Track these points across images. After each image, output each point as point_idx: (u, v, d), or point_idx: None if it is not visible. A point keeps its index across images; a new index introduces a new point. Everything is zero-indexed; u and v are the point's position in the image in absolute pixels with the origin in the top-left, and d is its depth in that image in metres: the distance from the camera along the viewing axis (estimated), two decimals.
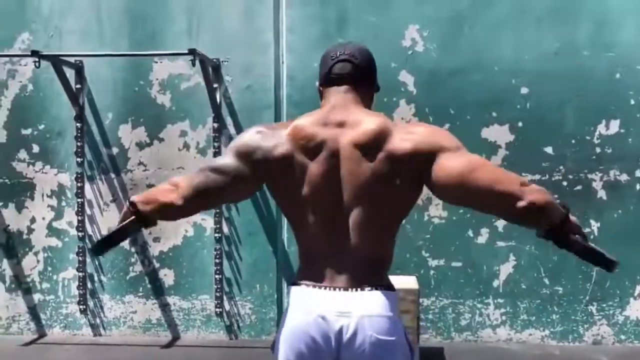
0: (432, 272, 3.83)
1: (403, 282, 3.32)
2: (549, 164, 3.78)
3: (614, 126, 3.75)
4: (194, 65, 3.48)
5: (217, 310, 3.91)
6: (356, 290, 1.41)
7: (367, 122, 1.43)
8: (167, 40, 3.93)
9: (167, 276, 3.99)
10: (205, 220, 3.95)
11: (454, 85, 3.78)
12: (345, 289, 1.41)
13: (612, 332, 3.78)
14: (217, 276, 3.88)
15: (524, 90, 3.77)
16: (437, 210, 3.83)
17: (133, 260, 4.01)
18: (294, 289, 1.48)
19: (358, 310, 1.39)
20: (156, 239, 4.00)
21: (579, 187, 3.78)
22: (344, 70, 1.49)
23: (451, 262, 3.82)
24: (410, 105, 3.82)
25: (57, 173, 4.04)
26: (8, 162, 4.05)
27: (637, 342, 3.77)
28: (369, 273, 1.44)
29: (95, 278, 4.04)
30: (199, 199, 1.48)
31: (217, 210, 3.87)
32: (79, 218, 3.94)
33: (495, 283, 3.82)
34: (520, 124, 3.78)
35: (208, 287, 3.94)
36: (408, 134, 1.43)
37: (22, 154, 4.05)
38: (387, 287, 1.47)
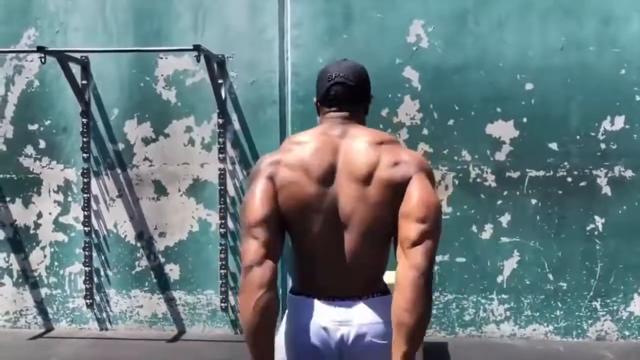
0: (436, 267, 3.84)
1: None
2: (554, 159, 3.78)
3: (619, 122, 3.74)
4: (198, 61, 3.49)
5: (223, 305, 3.93)
6: (354, 300, 1.50)
7: (362, 141, 1.51)
8: (172, 36, 3.94)
9: (173, 271, 4.02)
10: (211, 215, 3.97)
11: (458, 81, 3.78)
12: (344, 299, 1.50)
13: (616, 328, 3.79)
14: (222, 271, 3.90)
15: (529, 86, 3.77)
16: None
17: (139, 255, 4.04)
18: (293, 298, 1.55)
19: (357, 319, 1.48)
20: (162, 234, 4.02)
21: (583, 183, 3.78)
22: (340, 93, 1.58)
23: (455, 258, 3.83)
24: (414, 101, 3.82)
25: (63, 168, 4.06)
26: (15, 158, 4.08)
27: None
28: (366, 282, 1.52)
29: (102, 272, 4.07)
30: (276, 253, 1.46)
31: (222, 206, 3.89)
32: (85, 213, 3.97)
33: (500, 279, 3.83)
34: (525, 119, 3.78)
35: (213, 281, 3.96)
36: (398, 161, 1.50)
37: (29, 150, 4.08)
38: (383, 293, 1.55)
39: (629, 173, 3.76)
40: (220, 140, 3.89)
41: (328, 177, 1.48)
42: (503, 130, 3.79)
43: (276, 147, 1.72)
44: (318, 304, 1.50)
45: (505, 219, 3.81)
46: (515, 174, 3.81)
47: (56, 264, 4.09)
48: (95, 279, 4.06)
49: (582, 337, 3.80)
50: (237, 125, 3.94)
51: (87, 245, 3.98)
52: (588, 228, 3.78)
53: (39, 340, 3.92)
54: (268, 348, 1.40)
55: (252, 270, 1.41)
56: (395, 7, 3.81)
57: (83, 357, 3.58)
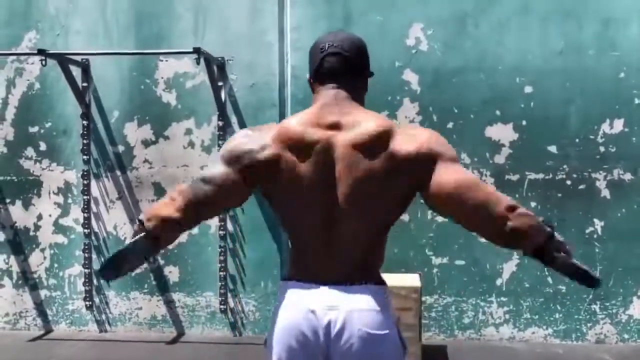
0: (435, 270, 3.84)
1: (406, 279, 3.34)
2: (553, 162, 3.79)
3: (618, 125, 3.75)
4: (198, 63, 3.51)
5: (222, 307, 3.94)
6: (345, 285, 1.41)
7: (367, 122, 1.41)
8: (173, 39, 3.95)
9: (172, 273, 4.02)
10: None
11: (458, 84, 3.79)
12: (335, 284, 1.41)
13: (615, 331, 3.79)
14: (221, 273, 3.91)
15: (528, 89, 3.77)
16: None
17: None
18: (284, 284, 1.48)
19: (346, 304, 1.39)
20: None
21: (582, 186, 3.78)
22: (334, 65, 1.44)
23: (454, 261, 3.83)
24: (414, 103, 3.83)
25: (63, 170, 4.07)
26: (15, 160, 4.09)
27: None
28: (359, 269, 1.44)
29: None
30: (194, 212, 1.44)
31: None
32: (85, 215, 3.98)
33: (499, 281, 3.83)
34: (524, 122, 3.78)
35: (212, 284, 3.96)
36: (411, 136, 1.41)
37: (29, 152, 4.09)
38: (378, 282, 1.46)
39: (627, 176, 3.76)
40: (220, 142, 3.90)
41: (324, 179, 1.40)
42: (502, 133, 3.80)
43: None
44: (307, 287, 1.42)
45: None
46: (514, 177, 3.81)
47: (56, 265, 4.10)
48: (95, 281, 4.07)
49: (582, 340, 3.80)
50: (237, 128, 3.94)
51: (86, 247, 3.99)
52: (587, 231, 3.78)
53: (38, 342, 3.92)
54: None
55: (176, 212, 1.42)
56: (395, 10, 3.82)
57: (82, 359, 3.58)
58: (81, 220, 4.01)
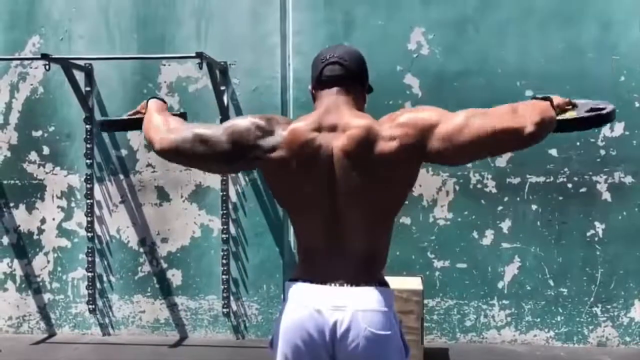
0: (437, 273, 3.86)
1: (408, 283, 3.35)
2: (554, 166, 3.80)
3: (619, 128, 3.76)
4: (201, 68, 3.53)
5: (224, 310, 3.95)
6: (351, 286, 1.45)
7: (353, 126, 1.46)
8: (175, 43, 3.98)
9: (175, 276, 4.04)
10: (213, 221, 3.99)
11: (459, 88, 3.81)
12: (341, 285, 1.45)
13: (617, 334, 3.79)
14: (224, 276, 3.92)
15: (529, 93, 3.79)
16: (442, 212, 3.86)
17: (141, 260, 4.06)
18: (290, 284, 1.52)
19: (352, 304, 1.42)
20: (164, 240, 4.04)
21: (583, 189, 3.80)
22: (334, 72, 1.53)
23: (456, 264, 3.85)
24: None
25: (67, 174, 4.10)
26: (19, 164, 4.12)
27: None
28: (364, 270, 1.48)
29: (104, 278, 4.09)
30: (175, 156, 1.59)
31: (224, 212, 3.91)
32: (88, 219, 4.00)
33: (500, 284, 3.84)
34: None
35: (215, 287, 3.98)
36: (393, 130, 1.46)
37: (33, 156, 4.11)
38: (381, 284, 1.50)
39: (628, 179, 3.77)
40: None
41: (325, 176, 1.45)
42: None
43: None
44: (313, 287, 1.46)
45: (505, 225, 3.83)
46: (515, 180, 3.83)
47: (59, 269, 4.12)
48: (98, 285, 4.08)
49: (583, 343, 3.81)
50: None
51: (90, 250, 4.01)
52: (588, 234, 3.80)
53: (41, 345, 3.94)
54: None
55: (164, 140, 1.60)
56: (396, 15, 3.85)
57: None
58: (84, 224, 4.03)
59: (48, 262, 4.12)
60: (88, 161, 4.00)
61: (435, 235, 3.86)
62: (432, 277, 3.84)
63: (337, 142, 1.46)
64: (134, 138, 4.05)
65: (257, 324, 4.01)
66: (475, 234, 3.84)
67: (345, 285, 1.45)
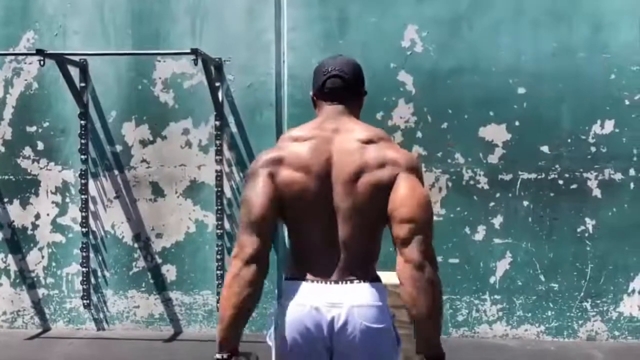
0: None
1: None
2: (545, 162, 3.85)
3: (609, 126, 3.81)
4: (196, 64, 3.54)
5: (219, 305, 3.96)
6: (346, 283, 1.54)
7: (358, 131, 1.58)
8: (170, 39, 3.99)
9: (170, 272, 4.06)
10: (207, 217, 4.01)
11: (452, 85, 3.85)
12: (336, 282, 1.54)
13: (606, 328, 3.85)
14: (218, 272, 3.95)
15: (521, 91, 3.83)
16: (434, 208, 3.87)
17: (136, 255, 4.08)
18: (287, 282, 1.60)
19: (348, 301, 1.52)
20: (159, 235, 4.06)
21: (574, 186, 3.85)
22: (335, 85, 1.64)
23: (448, 259, 3.89)
24: (409, 104, 3.88)
25: (61, 170, 4.10)
26: (13, 159, 4.12)
27: (631, 338, 3.84)
28: (358, 268, 1.57)
29: (99, 273, 4.10)
30: (263, 242, 1.54)
31: (219, 207, 3.94)
32: (83, 214, 4.01)
33: (492, 279, 3.89)
34: (517, 123, 3.84)
35: (210, 282, 4.00)
36: (394, 148, 1.60)
37: (27, 151, 4.11)
38: (375, 280, 1.59)
39: (618, 176, 3.83)
40: (217, 142, 3.94)
41: (325, 174, 1.54)
42: (496, 133, 3.86)
43: None
44: (310, 285, 1.55)
45: (497, 221, 3.87)
46: (507, 177, 3.87)
47: (54, 264, 4.12)
48: (93, 280, 4.10)
49: (573, 337, 3.86)
50: (234, 128, 3.98)
51: (84, 246, 4.02)
52: (579, 230, 3.85)
53: (36, 340, 3.94)
54: (236, 335, 1.53)
55: (248, 267, 1.49)
56: (390, 12, 3.87)
57: (80, 357, 3.61)
58: (79, 220, 4.04)
59: (42, 257, 4.13)
60: (83, 157, 4.00)
61: None
62: None
63: (337, 146, 1.56)
64: (129, 134, 4.06)
65: (251, 320, 3.98)
66: (467, 230, 3.89)
67: (340, 282, 1.54)
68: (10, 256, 4.15)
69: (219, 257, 3.94)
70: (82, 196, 4.00)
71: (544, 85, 3.82)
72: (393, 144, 1.63)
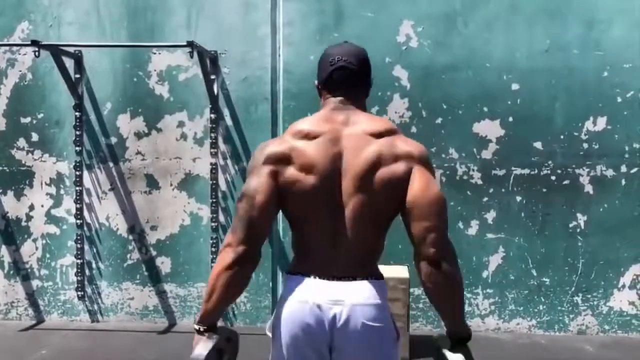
0: None
1: (395, 271, 3.41)
2: (538, 158, 3.88)
3: (601, 123, 3.85)
4: (192, 56, 3.54)
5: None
6: (348, 280, 1.53)
7: (368, 122, 1.56)
8: (166, 31, 3.98)
9: (164, 264, 4.07)
10: (202, 209, 4.02)
11: (446, 81, 3.87)
12: (339, 279, 1.53)
13: (597, 322, 3.90)
14: (212, 264, 3.95)
15: (515, 87, 3.86)
16: None
17: (130, 248, 4.09)
18: (290, 277, 1.59)
19: (350, 298, 1.51)
20: (153, 228, 4.07)
21: (566, 182, 3.88)
22: (342, 77, 1.60)
23: None
24: (403, 99, 3.90)
25: (55, 161, 4.10)
26: (7, 150, 4.11)
27: (621, 332, 3.89)
28: (361, 265, 1.56)
29: (93, 265, 4.11)
30: (253, 235, 1.55)
31: (214, 200, 3.95)
32: (77, 206, 4.01)
33: (485, 274, 3.93)
34: (510, 119, 3.87)
35: (204, 275, 4.02)
36: (407, 141, 1.57)
37: (21, 142, 4.10)
38: (377, 277, 1.58)
39: (610, 172, 3.87)
40: (212, 135, 3.94)
41: (332, 171, 1.52)
42: (489, 129, 3.89)
43: None
44: (313, 282, 1.54)
45: (490, 216, 3.91)
46: (500, 172, 3.90)
47: (48, 256, 4.13)
48: (87, 272, 4.10)
49: (564, 331, 3.91)
50: (229, 121, 3.99)
51: (79, 237, 4.02)
52: (571, 225, 3.89)
53: (30, 331, 3.95)
54: (219, 312, 1.62)
55: (236, 249, 1.53)
56: (386, 7, 3.89)
57: (74, 349, 3.62)
58: (73, 211, 4.04)
59: (37, 248, 4.13)
60: (77, 148, 4.00)
61: None
62: None
63: (346, 134, 1.54)
64: (124, 126, 4.05)
65: (245, 312, 4.06)
66: (460, 225, 3.92)
67: (342, 279, 1.53)
68: (4, 247, 4.15)
69: (213, 249, 3.96)
70: (77, 188, 4.00)
71: (537, 82, 3.85)
72: (401, 135, 1.59)
